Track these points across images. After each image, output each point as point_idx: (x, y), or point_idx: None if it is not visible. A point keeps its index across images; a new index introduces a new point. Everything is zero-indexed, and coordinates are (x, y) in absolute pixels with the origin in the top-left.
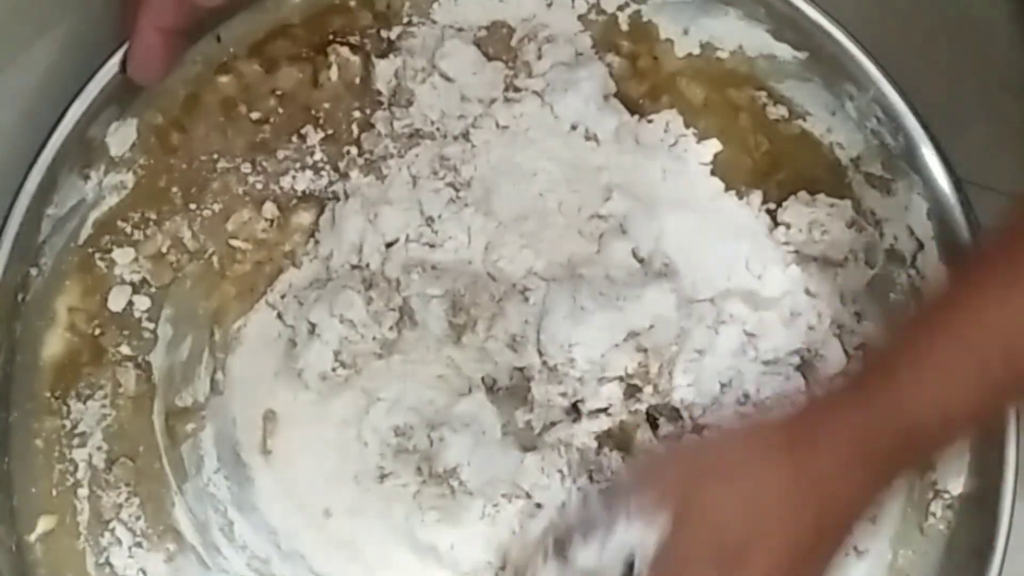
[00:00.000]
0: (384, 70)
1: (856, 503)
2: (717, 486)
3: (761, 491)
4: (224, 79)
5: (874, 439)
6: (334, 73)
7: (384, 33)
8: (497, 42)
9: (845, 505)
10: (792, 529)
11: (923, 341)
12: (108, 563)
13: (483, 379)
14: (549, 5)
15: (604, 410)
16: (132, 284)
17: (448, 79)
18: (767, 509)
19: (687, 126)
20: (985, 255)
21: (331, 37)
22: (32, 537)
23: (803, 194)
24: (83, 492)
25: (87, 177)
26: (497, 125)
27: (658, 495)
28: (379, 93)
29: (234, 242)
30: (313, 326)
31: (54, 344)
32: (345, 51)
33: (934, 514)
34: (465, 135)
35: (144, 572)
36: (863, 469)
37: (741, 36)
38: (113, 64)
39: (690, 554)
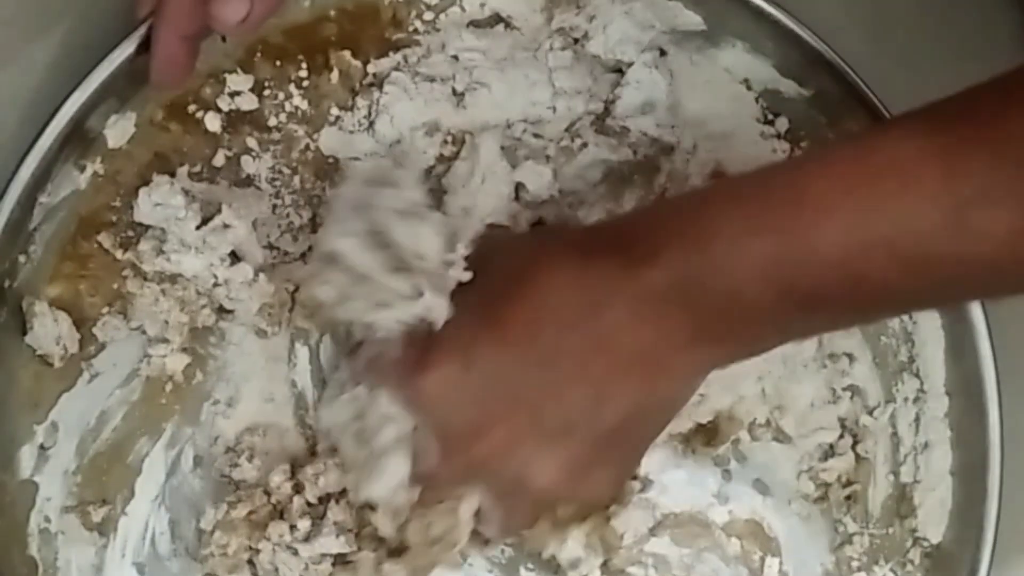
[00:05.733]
0: (384, 67)
1: (650, 356)
2: (508, 258)
3: (542, 275)
4: (230, 76)
5: (676, 289)
6: (335, 76)
7: (387, 37)
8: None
9: (640, 353)
10: (555, 316)
11: (747, 192)
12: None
13: None
14: (557, 27)
15: None
16: (122, 277)
17: (454, 58)
18: (539, 291)
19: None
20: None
21: (335, 42)
22: None
23: None
24: None
25: (82, 168)
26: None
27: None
28: (378, 88)
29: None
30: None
31: (33, 336)
32: (347, 55)
33: (912, 561)
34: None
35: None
36: (662, 322)
37: (747, 69)
38: (115, 57)
39: (464, 301)
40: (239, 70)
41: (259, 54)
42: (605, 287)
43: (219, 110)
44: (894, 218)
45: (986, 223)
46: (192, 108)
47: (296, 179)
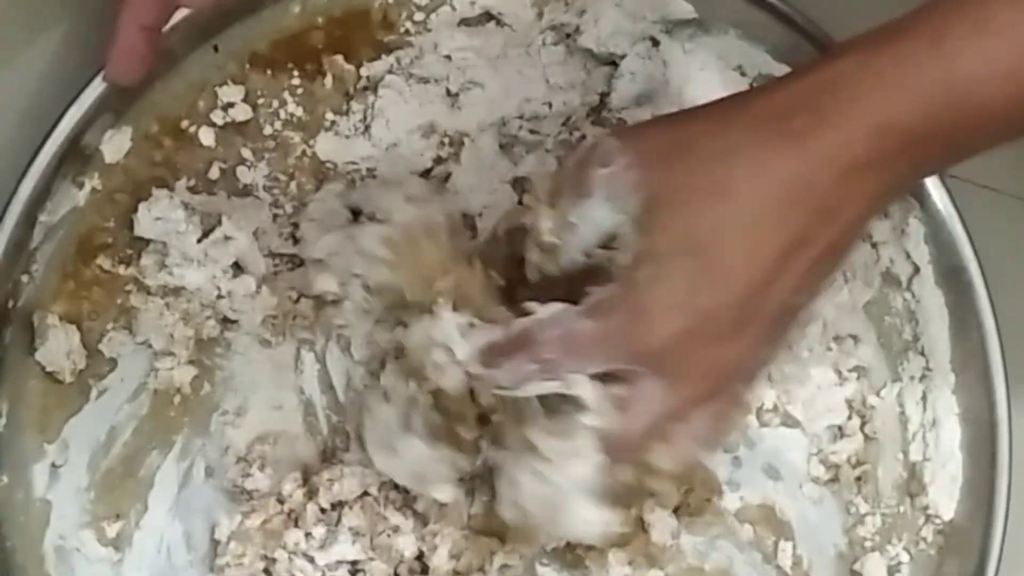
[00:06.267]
0: (377, 70)
1: (857, 212)
2: (696, 173)
3: (745, 186)
4: (222, 88)
5: (897, 122)
6: (329, 82)
7: (379, 39)
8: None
9: (844, 215)
10: (774, 237)
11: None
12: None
13: None
14: (548, 23)
15: None
16: (125, 292)
17: (447, 58)
18: (749, 209)
19: None
20: None
21: (327, 47)
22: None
23: None
24: None
25: (81, 184)
26: None
27: (634, 167)
28: (373, 92)
29: None
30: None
31: (43, 353)
32: (340, 60)
33: (925, 539)
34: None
35: None
36: (873, 167)
37: (740, 55)
38: None
39: (661, 248)
40: (230, 82)
41: (251, 64)
42: (812, 183)
43: (214, 122)
44: None
45: None
46: (186, 122)
47: (294, 186)
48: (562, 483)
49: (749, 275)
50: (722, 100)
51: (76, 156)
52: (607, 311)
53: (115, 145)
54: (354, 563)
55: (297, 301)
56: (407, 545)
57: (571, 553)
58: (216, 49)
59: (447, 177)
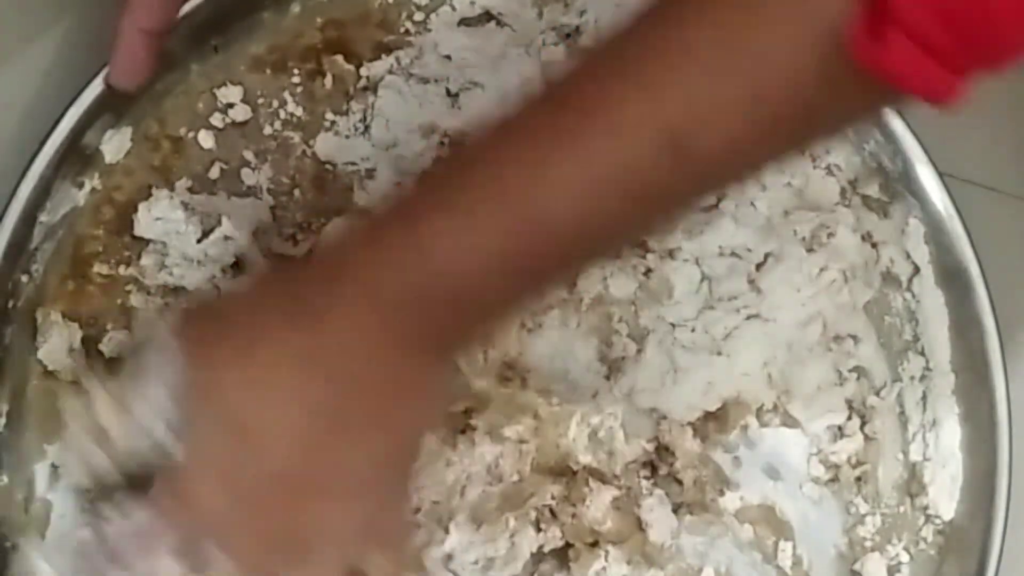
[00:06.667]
0: (377, 70)
1: (390, 385)
2: (231, 357)
3: (273, 368)
4: (221, 89)
5: (403, 306)
6: (328, 82)
7: (378, 39)
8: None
9: (376, 389)
10: (304, 409)
11: (450, 185)
12: None
13: None
14: (548, 23)
15: None
16: (125, 292)
17: (447, 58)
18: (275, 386)
19: None
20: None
21: (326, 47)
22: None
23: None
24: None
25: (81, 185)
26: None
27: (180, 354)
28: (372, 92)
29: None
30: None
31: (45, 351)
32: (340, 60)
33: (925, 539)
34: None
35: None
36: (396, 344)
37: None
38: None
39: (204, 430)
40: (229, 82)
41: (250, 64)
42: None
43: (214, 122)
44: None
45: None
46: (187, 122)
47: (294, 186)
48: None
49: (286, 446)
50: (262, 283)
51: (76, 156)
52: (163, 494)
53: (115, 145)
54: None
55: None
56: None
57: (571, 548)
58: (216, 50)
59: None
